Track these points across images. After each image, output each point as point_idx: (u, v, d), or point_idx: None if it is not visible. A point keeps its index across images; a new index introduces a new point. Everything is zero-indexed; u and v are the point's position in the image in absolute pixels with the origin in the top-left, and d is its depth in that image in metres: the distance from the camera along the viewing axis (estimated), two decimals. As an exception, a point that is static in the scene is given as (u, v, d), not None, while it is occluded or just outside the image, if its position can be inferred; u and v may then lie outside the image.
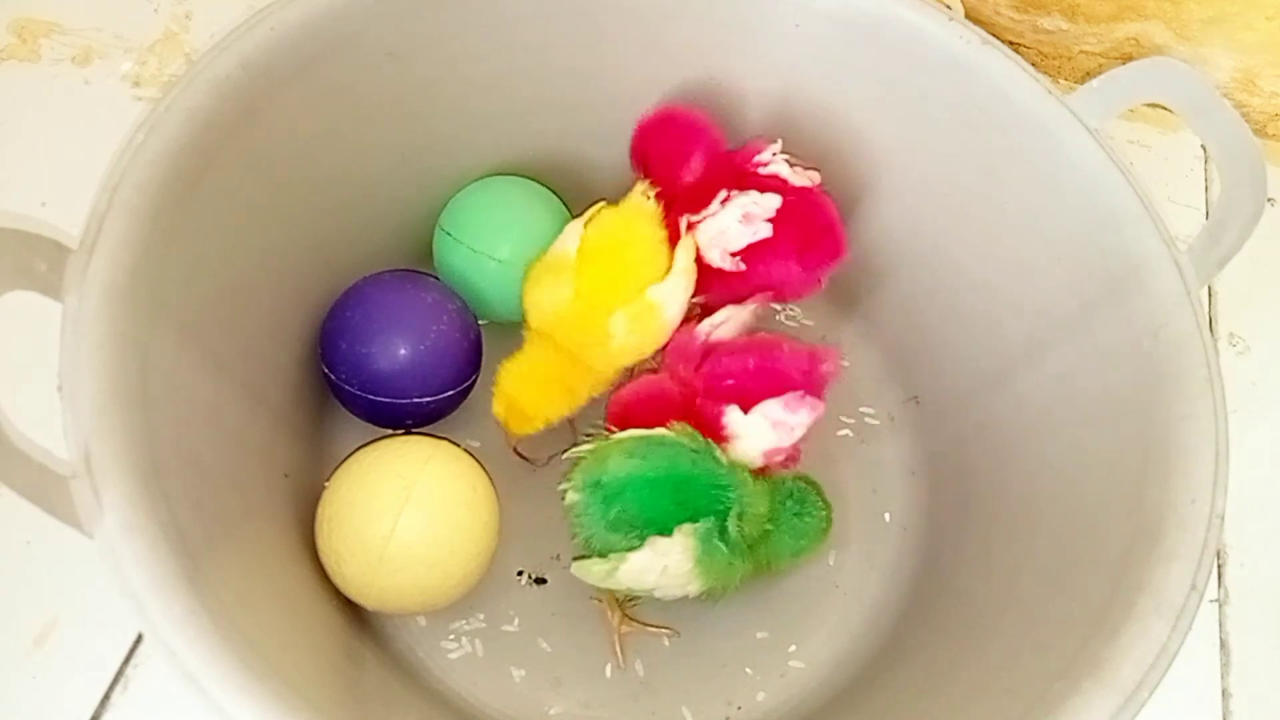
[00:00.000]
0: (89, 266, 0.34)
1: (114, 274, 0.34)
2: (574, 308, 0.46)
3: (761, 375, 0.44)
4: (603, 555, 0.42)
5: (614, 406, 0.46)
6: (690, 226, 0.48)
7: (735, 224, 0.47)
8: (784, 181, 0.47)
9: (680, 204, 0.48)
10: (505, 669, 0.46)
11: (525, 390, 0.47)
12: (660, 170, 0.49)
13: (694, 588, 0.43)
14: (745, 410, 0.44)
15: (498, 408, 0.47)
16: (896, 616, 0.49)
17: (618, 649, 0.47)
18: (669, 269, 0.47)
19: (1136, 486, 0.38)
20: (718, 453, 0.43)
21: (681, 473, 0.42)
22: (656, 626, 0.47)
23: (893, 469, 0.53)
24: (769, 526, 0.44)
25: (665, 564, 0.41)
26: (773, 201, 0.47)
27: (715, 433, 0.44)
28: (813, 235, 0.47)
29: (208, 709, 0.30)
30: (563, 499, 0.43)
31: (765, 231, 0.47)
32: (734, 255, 0.47)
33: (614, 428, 0.45)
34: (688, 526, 0.41)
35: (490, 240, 0.50)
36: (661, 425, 0.43)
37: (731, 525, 0.42)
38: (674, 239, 0.48)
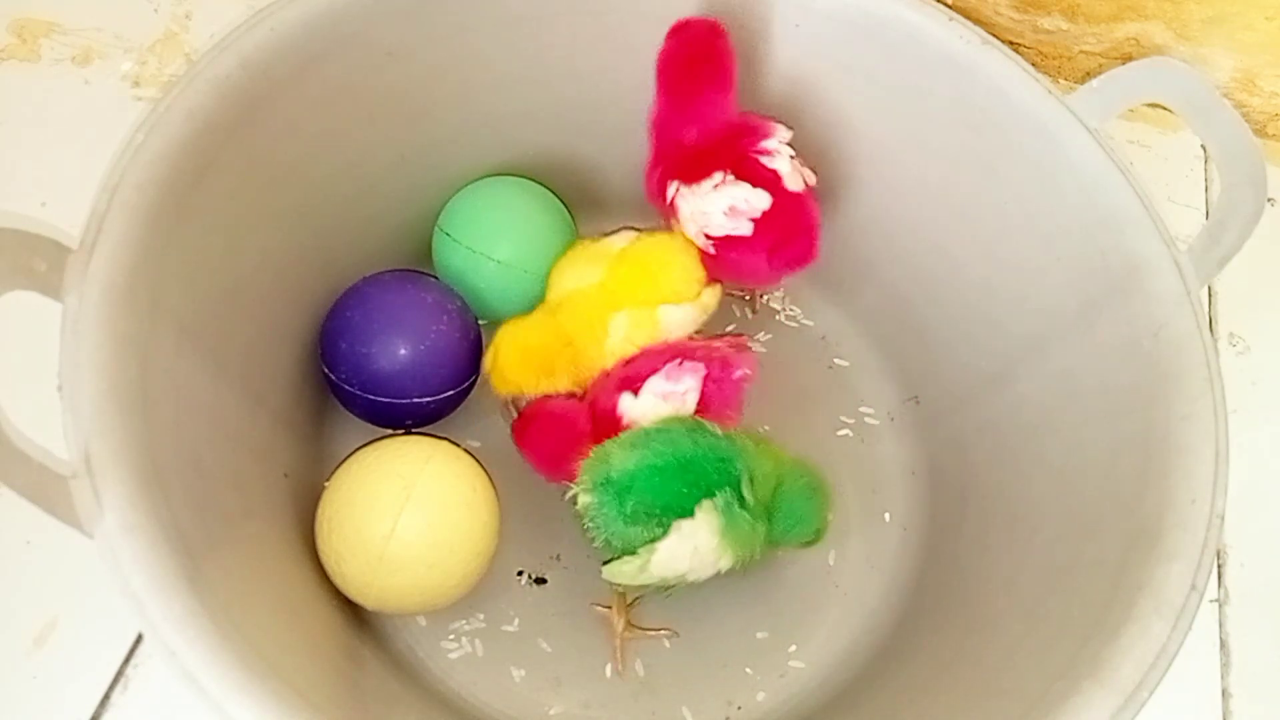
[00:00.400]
0: (89, 266, 0.34)
1: (114, 274, 0.34)
2: (591, 293, 0.47)
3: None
4: (627, 552, 0.42)
5: (525, 410, 0.48)
6: (678, 194, 0.48)
7: (720, 214, 0.47)
8: (779, 180, 0.47)
9: (674, 166, 0.48)
10: (505, 669, 0.46)
11: (510, 352, 0.48)
12: (673, 81, 0.48)
13: (725, 562, 0.43)
14: (636, 394, 0.45)
15: (487, 359, 0.49)
16: (896, 616, 0.49)
17: (619, 656, 0.46)
18: (690, 301, 0.48)
19: (1136, 486, 0.38)
20: (709, 424, 0.43)
21: (685, 453, 0.42)
22: (656, 630, 0.47)
23: (893, 469, 0.53)
24: (775, 492, 0.44)
25: (694, 544, 0.41)
26: (761, 202, 0.46)
27: (615, 425, 0.45)
28: (788, 238, 0.47)
29: (208, 709, 0.30)
30: (572, 503, 0.43)
31: (745, 230, 0.47)
32: (709, 239, 0.48)
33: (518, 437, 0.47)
34: (708, 503, 0.41)
35: (489, 241, 0.50)
36: (564, 451, 0.44)
37: (746, 491, 0.42)
38: (660, 195, 0.48)
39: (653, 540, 0.41)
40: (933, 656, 0.45)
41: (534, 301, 0.51)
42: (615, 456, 0.42)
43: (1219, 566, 0.52)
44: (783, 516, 0.44)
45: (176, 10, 0.62)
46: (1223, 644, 0.50)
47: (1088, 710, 0.33)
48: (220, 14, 0.61)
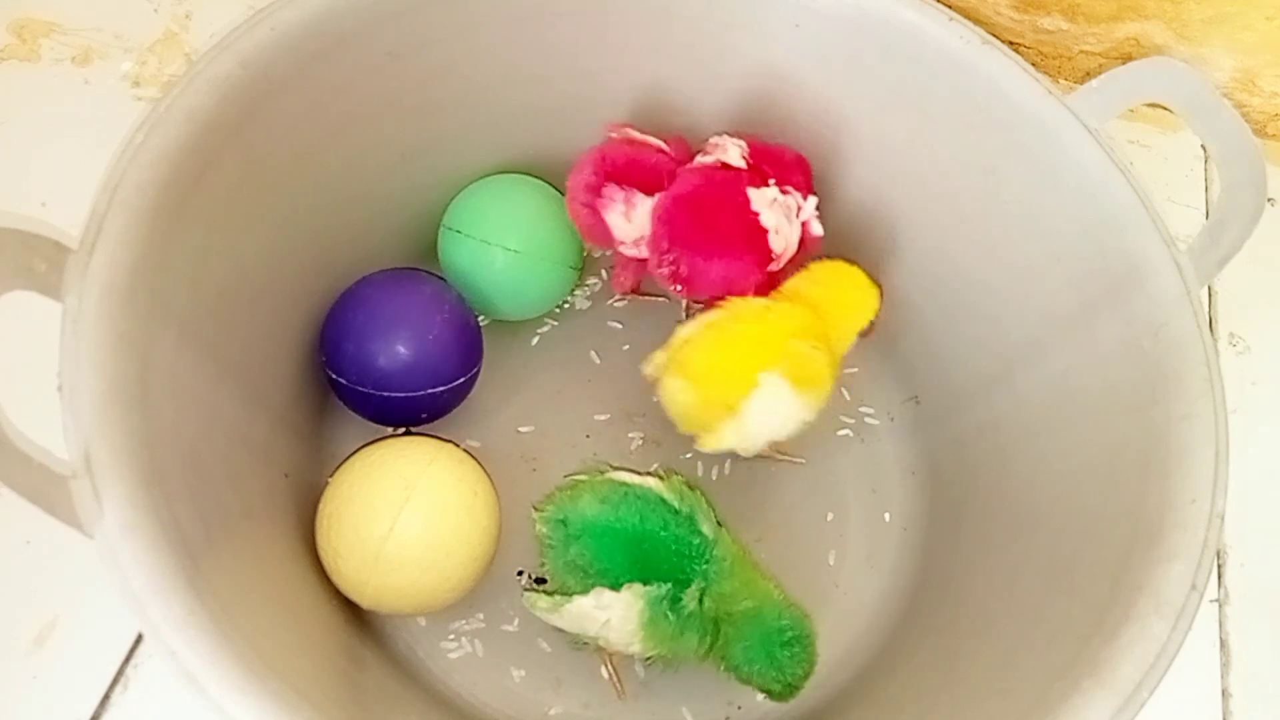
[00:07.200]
0: (89, 266, 0.34)
1: (114, 274, 0.34)
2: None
3: None
4: (563, 592, 0.42)
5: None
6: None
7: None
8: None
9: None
10: (505, 669, 0.46)
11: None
12: None
13: (637, 649, 0.41)
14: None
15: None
16: (897, 616, 0.49)
17: (616, 680, 0.46)
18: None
19: (1136, 486, 0.38)
20: (700, 520, 0.42)
21: (648, 530, 0.41)
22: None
23: (893, 469, 0.53)
24: (745, 621, 0.41)
25: (608, 617, 0.40)
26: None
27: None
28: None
29: (208, 709, 0.30)
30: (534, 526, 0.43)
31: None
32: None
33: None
34: (638, 587, 0.40)
35: (500, 232, 0.50)
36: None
37: (688, 598, 0.40)
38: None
39: (579, 593, 0.41)
40: (933, 656, 0.45)
41: (548, 293, 0.51)
42: (582, 502, 0.42)
43: (1219, 566, 0.52)
44: (744, 650, 0.41)
45: (176, 10, 0.62)
46: (1223, 644, 0.50)
47: (1088, 710, 0.33)
48: (220, 14, 0.61)
